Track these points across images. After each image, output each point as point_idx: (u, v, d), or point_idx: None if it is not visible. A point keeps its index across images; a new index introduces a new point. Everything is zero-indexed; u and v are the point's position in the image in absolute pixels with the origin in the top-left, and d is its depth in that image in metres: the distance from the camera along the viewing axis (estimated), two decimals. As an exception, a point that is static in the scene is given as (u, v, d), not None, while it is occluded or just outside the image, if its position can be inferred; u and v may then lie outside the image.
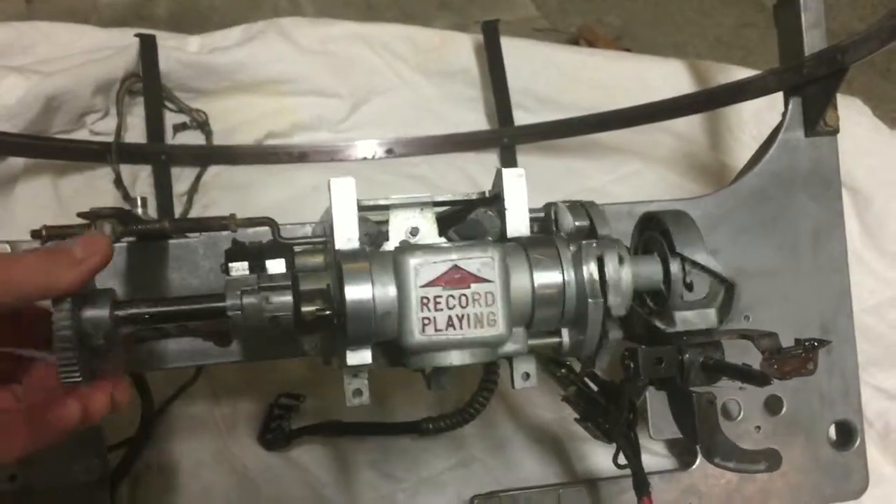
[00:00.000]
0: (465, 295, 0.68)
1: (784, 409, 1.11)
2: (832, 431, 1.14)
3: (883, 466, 1.22)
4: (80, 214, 0.81)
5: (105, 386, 0.70)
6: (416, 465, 1.19)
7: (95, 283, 0.78)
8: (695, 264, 0.77)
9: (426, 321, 0.67)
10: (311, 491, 1.15)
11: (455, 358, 0.69)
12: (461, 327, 0.68)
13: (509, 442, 1.21)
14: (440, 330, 0.68)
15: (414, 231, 0.77)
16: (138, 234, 0.83)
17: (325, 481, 1.16)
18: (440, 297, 0.67)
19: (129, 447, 1.11)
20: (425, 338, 0.68)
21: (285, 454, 1.17)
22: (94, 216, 0.80)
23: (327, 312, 0.68)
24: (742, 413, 1.10)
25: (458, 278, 0.68)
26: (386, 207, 0.78)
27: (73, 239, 0.66)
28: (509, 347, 0.72)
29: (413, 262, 0.68)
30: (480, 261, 0.69)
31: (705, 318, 0.80)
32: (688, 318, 0.80)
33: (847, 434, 1.13)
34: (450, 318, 0.68)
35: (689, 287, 0.78)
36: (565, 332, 0.74)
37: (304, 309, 0.68)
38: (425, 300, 0.67)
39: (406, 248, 0.70)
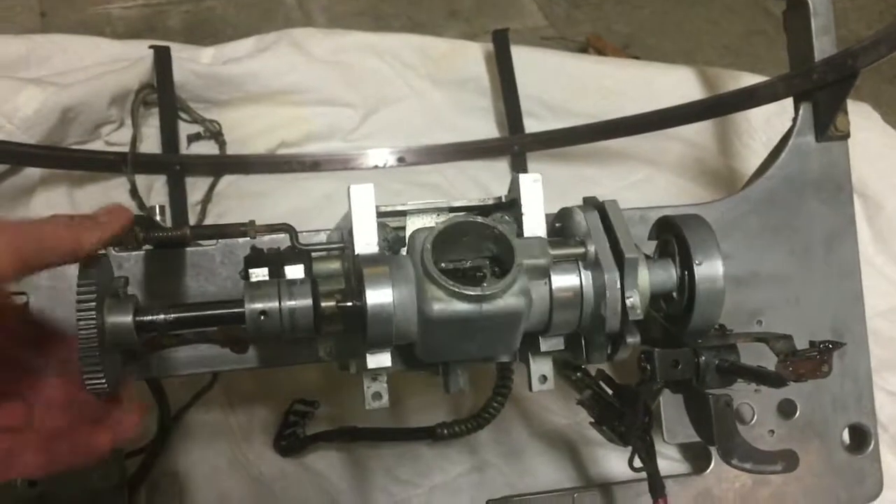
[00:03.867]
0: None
1: (797, 413, 1.11)
2: (846, 435, 1.14)
3: (897, 470, 1.22)
4: None
5: (131, 410, 0.70)
6: (431, 471, 1.19)
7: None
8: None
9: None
10: (327, 497, 1.16)
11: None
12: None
13: (523, 447, 1.22)
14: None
15: (431, 236, 0.78)
16: (159, 241, 0.84)
17: (339, 487, 1.17)
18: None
19: (146, 454, 1.12)
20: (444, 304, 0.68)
21: (300, 460, 1.18)
22: (116, 223, 0.81)
23: (349, 304, 0.68)
24: (756, 417, 1.10)
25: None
26: (403, 213, 0.79)
27: (99, 209, 0.69)
28: (531, 261, 0.72)
29: (422, 235, 0.69)
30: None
31: None
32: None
33: (861, 438, 1.13)
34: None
35: None
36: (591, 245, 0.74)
37: (324, 304, 0.69)
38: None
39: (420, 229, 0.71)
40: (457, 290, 0.67)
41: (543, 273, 0.72)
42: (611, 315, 0.71)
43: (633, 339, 0.71)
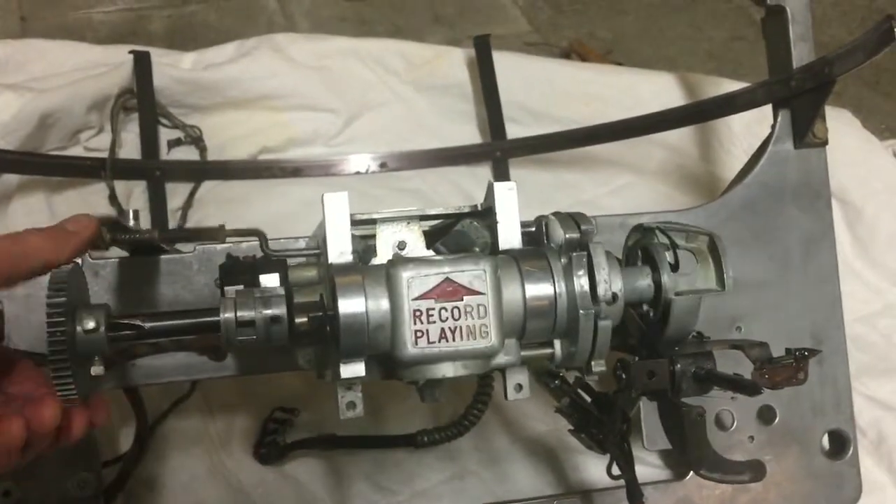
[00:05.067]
0: (457, 307, 0.69)
1: (777, 420, 1.11)
2: (825, 441, 1.14)
3: (876, 475, 1.22)
4: None
5: (53, 402, 0.68)
6: (411, 478, 1.19)
7: (90, 297, 0.78)
8: (672, 227, 0.78)
9: (419, 333, 0.68)
10: (307, 505, 1.15)
11: (448, 370, 0.69)
12: (453, 339, 0.68)
13: (504, 454, 1.22)
14: (433, 342, 0.68)
15: (401, 245, 0.78)
16: (128, 243, 0.84)
17: (319, 495, 1.16)
18: (432, 309, 0.68)
19: (123, 462, 1.11)
20: (418, 350, 0.68)
21: (280, 468, 1.17)
22: (84, 225, 0.80)
23: (321, 316, 0.68)
24: (735, 423, 1.10)
25: (450, 291, 0.69)
26: (373, 221, 0.79)
27: (62, 221, 0.72)
28: (502, 359, 0.73)
29: (406, 274, 0.68)
30: (472, 273, 0.69)
31: (706, 279, 0.81)
32: (692, 282, 0.80)
33: (840, 443, 1.14)
34: (442, 330, 0.68)
35: (676, 267, 0.78)
36: (557, 344, 0.75)
37: (298, 320, 0.68)
38: (418, 313, 0.68)
39: (398, 261, 0.71)
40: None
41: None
42: (583, 336, 0.71)
43: (599, 368, 0.72)
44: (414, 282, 0.68)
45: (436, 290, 0.69)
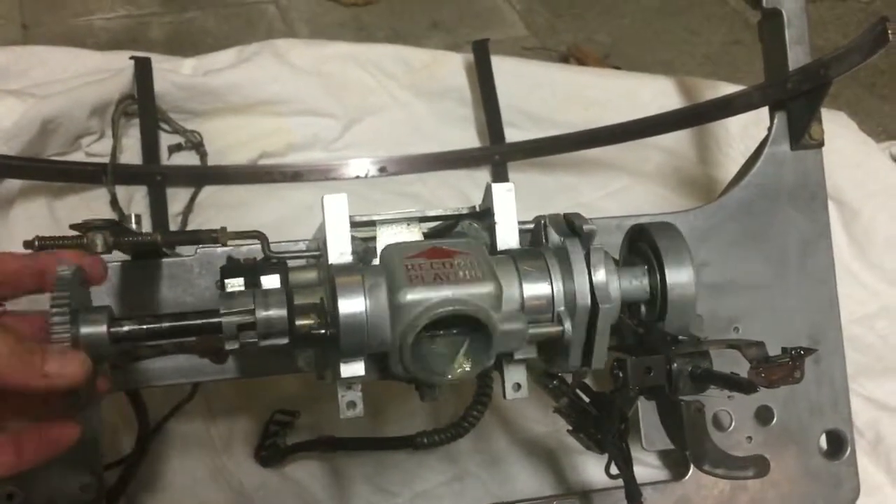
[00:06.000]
0: (449, 262, 0.69)
1: (775, 420, 1.11)
2: (823, 441, 1.14)
3: (874, 475, 1.22)
4: (72, 226, 0.82)
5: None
6: (411, 480, 1.19)
7: (92, 300, 0.79)
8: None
9: (414, 279, 0.68)
10: (307, 507, 1.16)
11: (450, 304, 0.67)
12: (449, 280, 0.68)
13: (503, 455, 1.22)
14: (428, 283, 0.68)
15: (401, 246, 0.78)
16: (130, 247, 0.84)
17: (320, 497, 1.16)
18: (424, 264, 0.69)
19: (125, 466, 1.11)
20: (417, 293, 0.67)
21: (281, 470, 1.17)
22: (86, 228, 0.81)
23: (322, 330, 0.69)
24: (733, 424, 1.11)
25: (441, 252, 0.70)
26: (373, 223, 0.79)
27: (55, 347, 0.65)
28: (508, 326, 0.70)
29: (396, 245, 0.71)
30: (461, 244, 0.72)
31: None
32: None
33: (837, 443, 1.14)
34: (436, 275, 0.68)
35: None
36: (567, 323, 0.74)
37: (299, 322, 0.69)
38: (410, 266, 0.69)
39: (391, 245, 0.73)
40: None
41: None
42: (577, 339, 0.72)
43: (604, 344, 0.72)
44: (406, 247, 0.70)
45: (426, 253, 0.70)
